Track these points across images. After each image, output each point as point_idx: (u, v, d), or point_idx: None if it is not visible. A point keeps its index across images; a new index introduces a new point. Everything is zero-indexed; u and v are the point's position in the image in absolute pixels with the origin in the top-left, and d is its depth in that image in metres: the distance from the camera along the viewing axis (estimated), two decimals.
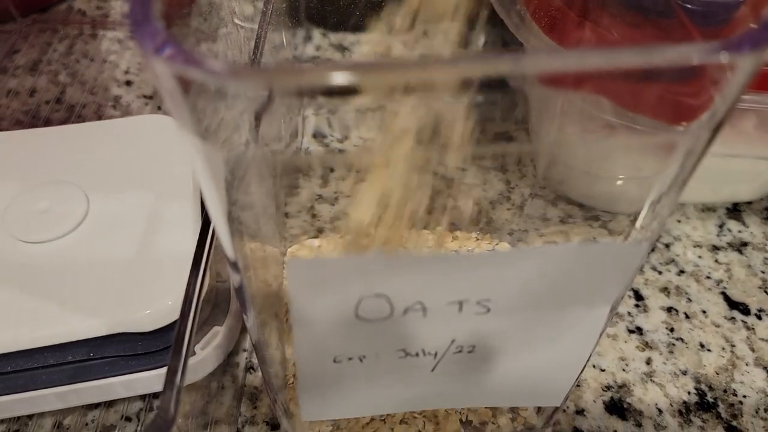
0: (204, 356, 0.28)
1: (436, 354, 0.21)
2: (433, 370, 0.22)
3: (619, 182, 0.31)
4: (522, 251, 0.17)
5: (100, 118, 0.42)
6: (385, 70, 0.13)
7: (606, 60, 0.14)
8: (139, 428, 0.29)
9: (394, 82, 0.14)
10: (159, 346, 0.27)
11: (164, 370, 0.28)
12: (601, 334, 0.22)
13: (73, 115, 0.42)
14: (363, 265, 0.17)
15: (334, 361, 0.21)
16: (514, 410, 0.27)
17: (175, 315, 0.26)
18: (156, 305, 0.26)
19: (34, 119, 0.42)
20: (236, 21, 0.24)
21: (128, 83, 0.45)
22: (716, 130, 0.17)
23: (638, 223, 0.22)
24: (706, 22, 0.24)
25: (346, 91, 0.13)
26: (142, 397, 0.30)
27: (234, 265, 0.19)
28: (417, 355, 0.21)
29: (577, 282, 0.19)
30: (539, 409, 0.28)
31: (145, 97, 0.44)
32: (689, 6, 0.23)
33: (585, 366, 0.23)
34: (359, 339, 0.20)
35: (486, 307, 0.19)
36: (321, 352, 0.20)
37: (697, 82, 0.17)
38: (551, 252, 0.18)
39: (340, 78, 0.12)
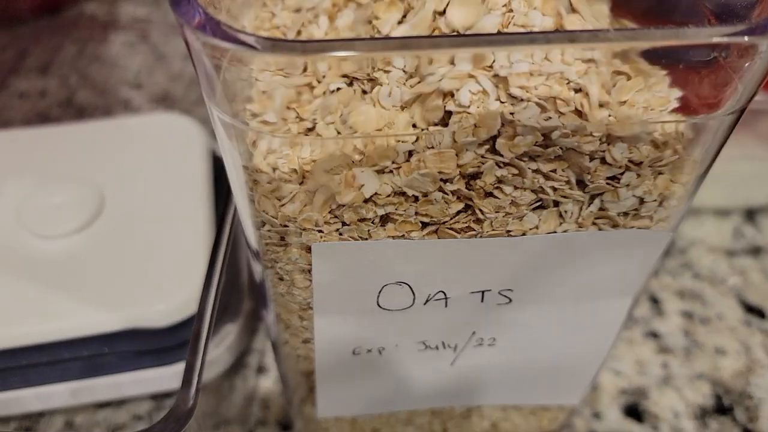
0: (216, 355, 0.27)
1: (456, 347, 0.21)
2: (452, 364, 0.21)
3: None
4: (546, 237, 0.17)
5: None
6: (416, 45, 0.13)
7: (631, 39, 0.14)
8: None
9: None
10: (171, 342, 0.27)
11: (175, 367, 0.28)
12: (620, 328, 0.21)
13: (83, 117, 0.42)
14: (387, 248, 0.17)
15: (353, 353, 0.20)
16: (529, 412, 0.27)
17: (186, 312, 0.26)
18: (169, 301, 0.26)
19: (45, 121, 0.42)
20: None
21: (138, 86, 0.45)
22: (736, 120, 0.17)
23: (655, 217, 0.21)
24: (723, 22, 0.23)
25: None
26: (153, 397, 0.29)
27: (256, 255, 0.19)
28: (437, 347, 0.21)
29: (599, 270, 0.19)
30: (553, 414, 0.27)
31: (155, 100, 0.44)
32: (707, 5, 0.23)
33: (603, 363, 0.23)
34: (380, 329, 0.20)
35: (507, 297, 0.19)
36: (341, 343, 0.20)
37: (717, 71, 0.17)
38: (575, 238, 0.17)
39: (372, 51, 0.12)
